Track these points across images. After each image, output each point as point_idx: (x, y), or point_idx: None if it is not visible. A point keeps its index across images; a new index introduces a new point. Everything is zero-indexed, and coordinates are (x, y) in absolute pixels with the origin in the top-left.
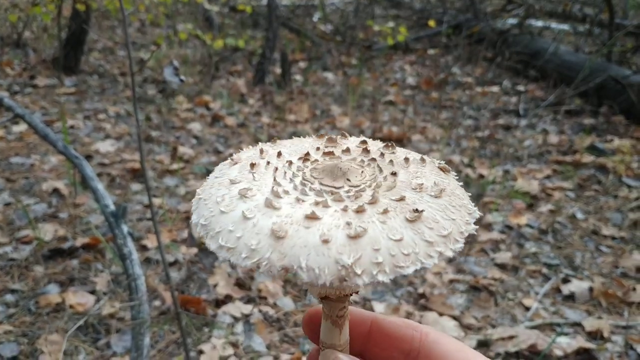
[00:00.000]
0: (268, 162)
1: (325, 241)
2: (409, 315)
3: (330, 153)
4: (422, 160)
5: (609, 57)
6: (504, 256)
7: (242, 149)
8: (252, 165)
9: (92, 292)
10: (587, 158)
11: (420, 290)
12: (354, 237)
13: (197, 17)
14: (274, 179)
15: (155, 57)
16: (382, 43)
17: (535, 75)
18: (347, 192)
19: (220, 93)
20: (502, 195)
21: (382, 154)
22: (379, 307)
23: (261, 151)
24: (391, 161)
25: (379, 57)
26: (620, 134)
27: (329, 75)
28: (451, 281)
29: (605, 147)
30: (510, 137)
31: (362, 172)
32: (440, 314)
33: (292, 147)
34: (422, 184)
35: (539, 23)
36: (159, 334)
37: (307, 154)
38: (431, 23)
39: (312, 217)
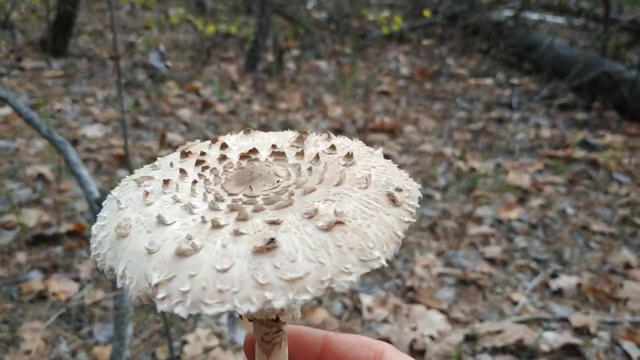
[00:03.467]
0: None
1: (150, 252)
2: (396, 308)
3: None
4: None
5: (603, 52)
6: (493, 250)
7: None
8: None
9: (76, 279)
10: (579, 153)
11: (409, 283)
12: (180, 255)
13: (189, 1)
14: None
15: (146, 42)
16: (377, 32)
17: (529, 69)
18: (235, 201)
19: (211, 79)
20: (493, 188)
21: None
22: (366, 299)
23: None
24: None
25: (373, 46)
26: (612, 130)
27: (322, 64)
28: (440, 274)
29: (597, 142)
30: (502, 130)
31: (280, 179)
32: (428, 307)
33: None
34: (317, 210)
35: (535, 16)
36: (143, 323)
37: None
38: (426, 13)
39: (161, 220)
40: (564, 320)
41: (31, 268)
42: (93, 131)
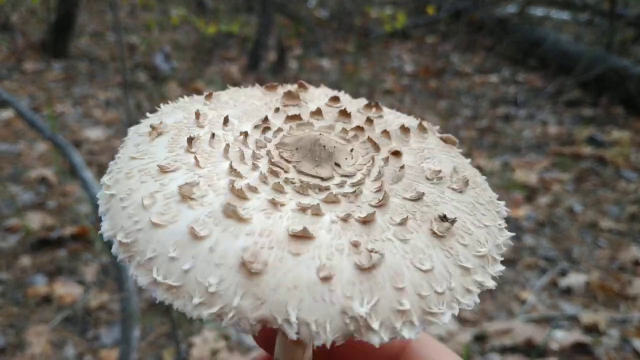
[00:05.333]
0: (213, 135)
1: (326, 278)
2: None
3: (297, 117)
4: (422, 128)
5: (609, 47)
6: None
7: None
8: (190, 140)
9: (81, 282)
10: (586, 150)
11: None
12: (367, 269)
13: (189, 1)
14: (230, 166)
15: (147, 42)
16: (380, 30)
17: (534, 65)
18: (340, 185)
19: (213, 79)
20: (500, 186)
21: (368, 119)
22: None
23: (197, 115)
24: (385, 131)
25: (376, 44)
26: (619, 126)
27: (325, 63)
28: None
29: (604, 138)
30: (508, 127)
31: (351, 149)
32: None
33: (239, 107)
34: (440, 170)
35: (539, 11)
36: (150, 326)
37: (266, 119)
38: (430, 10)
39: (301, 235)
40: (573, 318)
41: (36, 272)
42: (96, 133)
